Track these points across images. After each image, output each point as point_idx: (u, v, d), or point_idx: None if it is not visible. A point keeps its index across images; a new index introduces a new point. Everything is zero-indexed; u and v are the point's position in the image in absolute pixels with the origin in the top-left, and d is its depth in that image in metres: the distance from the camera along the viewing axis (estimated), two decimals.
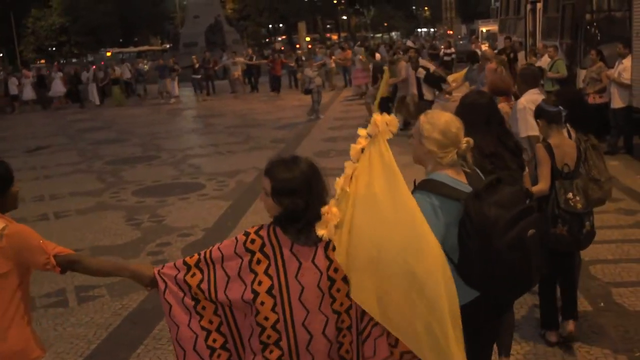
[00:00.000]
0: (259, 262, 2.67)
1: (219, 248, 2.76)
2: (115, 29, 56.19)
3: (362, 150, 2.76)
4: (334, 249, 2.69)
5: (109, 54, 53.65)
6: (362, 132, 2.78)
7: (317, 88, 18.35)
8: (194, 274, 2.76)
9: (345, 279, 2.69)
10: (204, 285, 2.74)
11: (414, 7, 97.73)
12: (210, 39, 38.99)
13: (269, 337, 2.67)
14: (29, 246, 3.03)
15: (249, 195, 9.83)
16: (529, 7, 17.72)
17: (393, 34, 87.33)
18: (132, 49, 56.99)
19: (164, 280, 2.81)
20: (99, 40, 54.37)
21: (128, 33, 61.43)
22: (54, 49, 52.01)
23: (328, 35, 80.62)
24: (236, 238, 2.74)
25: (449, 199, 2.98)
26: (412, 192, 2.94)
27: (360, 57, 26.36)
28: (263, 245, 2.68)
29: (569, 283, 4.99)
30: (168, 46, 52.51)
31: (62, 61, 43.90)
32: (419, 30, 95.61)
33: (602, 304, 5.51)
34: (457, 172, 3.11)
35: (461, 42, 42.00)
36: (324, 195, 2.72)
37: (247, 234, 2.71)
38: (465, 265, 2.95)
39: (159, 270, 2.84)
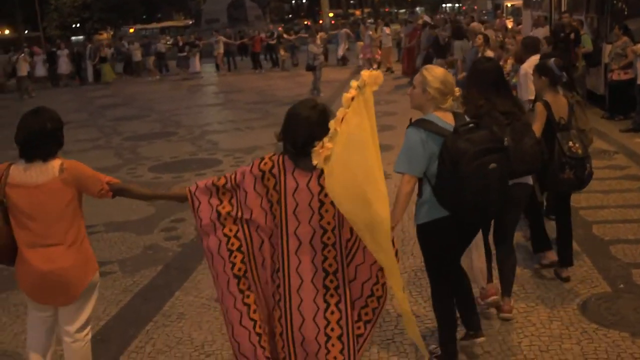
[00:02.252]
0: (268, 179, 3.41)
1: (241, 172, 3.52)
2: (138, 5, 56.10)
3: (352, 98, 3.32)
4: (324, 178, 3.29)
5: (131, 30, 53.56)
6: (353, 83, 3.35)
7: (320, 65, 18.13)
8: (224, 192, 3.52)
9: (333, 204, 3.33)
10: (234, 201, 3.50)
11: None
12: (232, 15, 38.83)
13: (272, 238, 3.50)
14: (86, 175, 3.73)
15: None
16: None
17: (417, 9, 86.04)
18: (154, 25, 56.88)
19: (199, 199, 3.55)
20: (122, 17, 54.34)
21: (151, 9, 61.34)
22: (77, 25, 52.11)
23: (351, 11, 79.74)
24: (253, 162, 3.52)
25: (435, 134, 3.77)
26: (407, 127, 3.87)
27: (371, 32, 26.15)
28: (272, 167, 3.42)
29: (567, 225, 5.54)
30: (190, 22, 52.34)
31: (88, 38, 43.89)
32: (444, 5, 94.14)
33: (621, 286, 5.35)
34: (448, 116, 3.90)
35: (486, 17, 41.27)
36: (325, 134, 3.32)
37: (262, 158, 3.49)
38: (440, 188, 3.77)
39: (194, 192, 3.57)
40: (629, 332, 4.60)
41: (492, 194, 3.78)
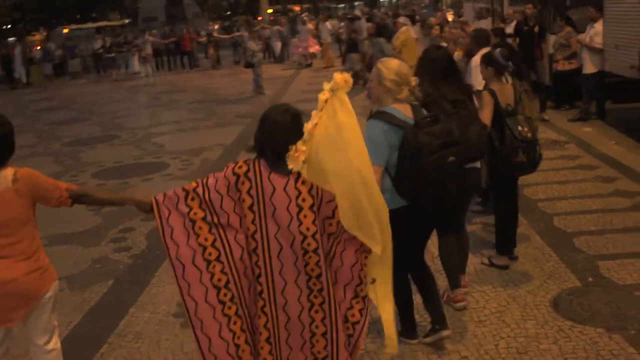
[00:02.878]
0: (243, 183, 3.28)
1: (213, 176, 3.35)
2: (71, 4, 54.49)
3: (326, 101, 3.32)
4: (303, 182, 3.28)
5: (66, 30, 51.94)
6: (326, 86, 3.35)
7: (259, 62, 17.77)
8: (193, 198, 3.32)
9: (312, 208, 3.29)
10: (204, 206, 3.31)
11: None
12: (170, 12, 38.20)
13: (249, 244, 3.34)
14: (42, 184, 3.49)
15: None
16: None
17: (356, 3, 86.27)
18: (90, 24, 55.35)
19: (168, 208, 3.33)
20: (55, 17, 52.68)
21: (85, 9, 59.66)
22: (8, 26, 50.31)
23: (290, 6, 79.39)
24: (227, 166, 3.37)
25: (395, 126, 3.89)
26: (368, 119, 3.97)
27: (310, 25, 26.05)
28: (248, 170, 3.29)
29: (515, 208, 5.72)
30: (127, 21, 51.14)
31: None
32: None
33: (590, 279, 5.27)
34: (406, 108, 4.01)
35: (424, 10, 41.56)
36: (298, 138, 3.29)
37: (236, 162, 3.34)
38: (399, 179, 3.90)
39: (162, 199, 3.35)
40: (604, 328, 4.51)
41: (450, 185, 3.94)
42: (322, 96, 3.37)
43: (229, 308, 3.35)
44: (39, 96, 22.92)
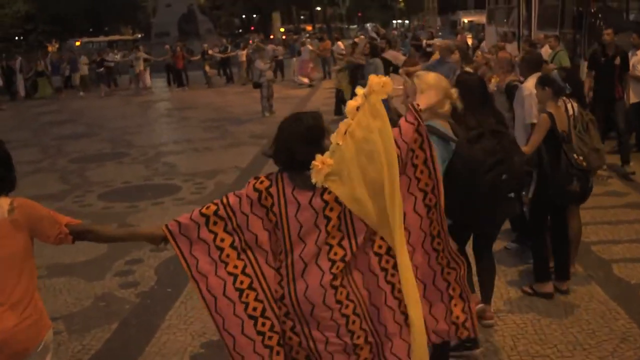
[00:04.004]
0: (266, 198, 3.04)
1: (234, 195, 3.08)
2: (85, 17, 54.28)
3: (358, 108, 3.04)
4: (329, 192, 3.01)
5: (78, 43, 51.66)
6: (359, 91, 3.06)
7: (268, 82, 17.00)
8: (215, 222, 3.04)
9: (339, 217, 3.02)
10: (230, 229, 3.05)
11: None
12: (183, 28, 37.78)
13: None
14: (40, 216, 3.06)
15: None
16: None
17: (368, 25, 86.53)
18: (102, 38, 55.13)
19: (187, 237, 3.04)
20: (68, 29, 52.43)
21: (98, 22, 59.49)
22: (21, 37, 50.02)
23: (302, 26, 79.43)
24: (249, 182, 3.12)
25: (443, 140, 3.74)
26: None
27: (310, 46, 25.50)
28: (270, 185, 3.05)
29: (565, 239, 5.42)
30: (140, 36, 50.91)
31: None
32: (394, 22, 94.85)
33: None
34: (445, 124, 3.85)
35: (440, 33, 41.11)
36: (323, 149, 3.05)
37: (257, 177, 3.10)
38: (450, 196, 3.38)
39: (177, 230, 3.04)
40: None
41: (502, 204, 3.99)
42: (353, 103, 3.08)
43: (270, 338, 3.10)
44: (47, 109, 22.30)
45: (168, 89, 26.89)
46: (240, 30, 72.28)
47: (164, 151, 13.10)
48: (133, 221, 8.16)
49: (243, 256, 3.08)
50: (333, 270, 3.02)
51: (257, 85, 17.26)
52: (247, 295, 3.06)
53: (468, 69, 10.30)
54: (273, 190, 3.05)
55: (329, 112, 16.61)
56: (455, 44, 13.44)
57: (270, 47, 27.27)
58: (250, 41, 33.92)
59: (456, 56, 10.38)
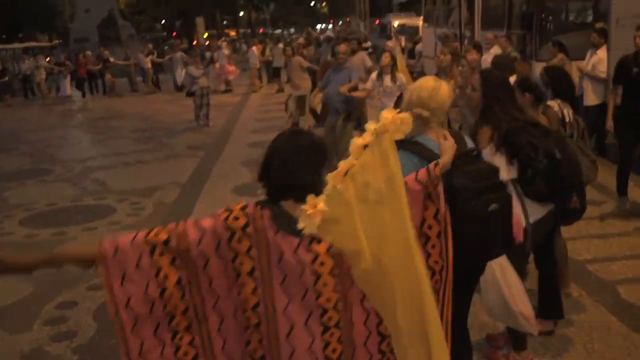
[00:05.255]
0: (240, 241, 2.51)
1: (195, 224, 2.53)
2: None
3: (365, 146, 2.46)
4: (319, 241, 2.52)
5: None
6: (370, 127, 2.46)
7: (202, 90, 15.67)
8: (162, 253, 2.49)
9: (332, 273, 2.54)
10: (177, 265, 2.52)
11: (312, 3, 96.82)
12: (103, 33, 36.42)
13: (248, 319, 2.59)
14: None
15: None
16: None
17: (292, 29, 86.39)
18: (17, 45, 52.55)
19: (123, 267, 2.48)
20: None
21: (12, 29, 56.73)
22: None
23: (227, 31, 78.42)
24: (217, 214, 2.56)
25: (426, 162, 3.05)
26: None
27: (225, 50, 24.67)
28: (246, 224, 2.52)
29: (553, 268, 4.73)
30: (58, 42, 48.74)
31: None
32: (318, 26, 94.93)
33: None
34: (439, 136, 3.17)
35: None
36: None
37: (229, 211, 2.54)
38: None
39: (112, 253, 2.47)
40: None
41: (492, 234, 3.22)
42: (360, 141, 2.48)
43: None
44: None
45: (91, 97, 25.46)
46: (165, 33, 70.73)
47: (92, 166, 11.93)
48: None
49: (191, 317, 2.58)
50: (326, 337, 2.58)
51: (190, 94, 16.08)
52: (181, 338, 2.59)
53: (400, 74, 9.72)
54: (251, 230, 2.51)
55: (265, 120, 15.83)
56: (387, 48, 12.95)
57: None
58: (149, 45, 32.58)
59: (387, 59, 9.68)
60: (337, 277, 2.57)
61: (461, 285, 3.30)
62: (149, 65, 25.79)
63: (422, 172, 2.83)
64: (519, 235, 3.74)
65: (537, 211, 3.86)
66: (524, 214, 3.77)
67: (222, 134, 14.37)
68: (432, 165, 2.84)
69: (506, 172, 3.70)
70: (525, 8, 12.83)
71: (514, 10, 13.36)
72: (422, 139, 3.28)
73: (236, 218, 2.53)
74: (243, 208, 2.56)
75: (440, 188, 2.82)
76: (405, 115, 2.54)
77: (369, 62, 14.47)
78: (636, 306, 5.02)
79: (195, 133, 14.83)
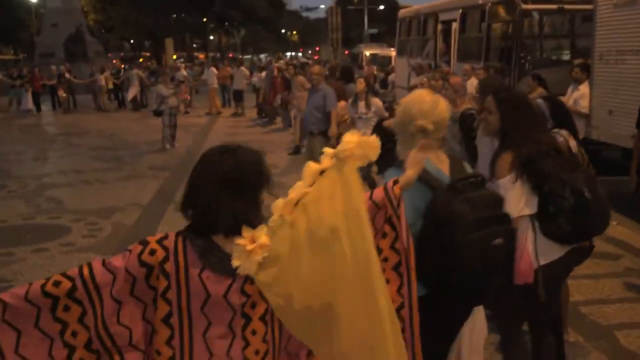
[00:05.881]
0: (157, 278, 2.13)
1: (105, 265, 2.13)
2: None
3: (322, 172, 2.18)
4: (252, 282, 2.14)
5: None
6: (328, 151, 2.23)
7: (171, 110, 15.05)
8: (67, 307, 2.08)
9: (263, 319, 2.19)
10: (88, 320, 2.10)
11: (283, 30, 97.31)
12: (70, 49, 35.49)
13: None
14: None
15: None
16: (440, 27, 16.21)
17: (262, 55, 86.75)
18: None
19: (16, 329, 2.05)
20: None
21: None
22: None
23: (196, 54, 78.23)
24: (129, 250, 2.17)
25: (423, 185, 2.78)
26: (386, 171, 2.92)
27: (184, 71, 24.38)
28: (166, 259, 2.12)
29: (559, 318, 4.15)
30: (23, 56, 47.78)
31: None
32: (288, 54, 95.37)
33: None
34: (440, 159, 2.99)
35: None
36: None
37: (145, 243, 2.16)
38: (420, 258, 2.62)
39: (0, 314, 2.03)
40: None
41: (488, 277, 2.87)
42: (316, 166, 2.22)
43: None
44: None
45: (53, 113, 24.74)
46: (133, 54, 70.23)
47: (48, 183, 11.26)
48: (7, 274, 6.47)
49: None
50: None
51: (158, 113, 15.40)
52: None
53: (376, 99, 9.49)
54: (170, 267, 2.13)
55: (234, 142, 15.25)
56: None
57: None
58: (116, 61, 32.14)
59: (361, 85, 9.41)
60: (267, 322, 2.22)
61: (441, 327, 2.97)
62: (103, 82, 25.40)
63: (378, 192, 2.49)
64: (528, 277, 3.34)
65: (554, 251, 3.40)
66: (535, 253, 3.33)
67: (188, 155, 13.81)
68: (390, 182, 2.47)
69: (524, 205, 3.27)
70: (504, 42, 12.66)
71: (491, 43, 13.20)
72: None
73: (153, 252, 2.14)
74: (161, 240, 2.17)
75: (402, 210, 2.45)
76: (374, 138, 2.24)
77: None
78: (638, 355, 4.63)
79: (159, 153, 14.27)
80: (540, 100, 4.72)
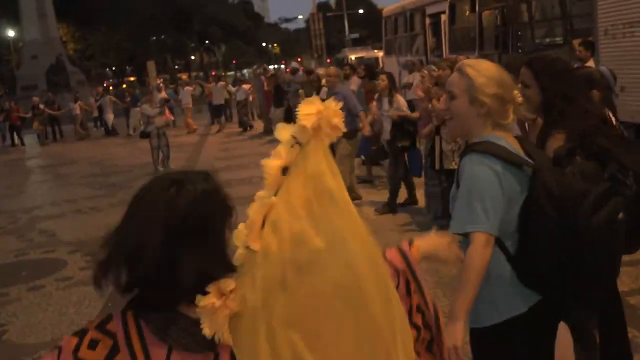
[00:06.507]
0: None
1: None
2: None
3: (285, 169, 1.56)
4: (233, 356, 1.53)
5: None
6: (283, 133, 1.58)
7: (158, 130, 14.19)
8: None
9: None
10: None
11: (264, 44, 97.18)
12: (52, 80, 35.11)
13: None
14: None
15: None
16: (428, 21, 15.83)
17: (245, 71, 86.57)
18: None
19: None
20: None
21: None
22: None
23: (179, 75, 77.92)
24: (58, 346, 1.53)
25: (513, 166, 2.38)
26: (465, 155, 2.45)
27: (163, 93, 24.05)
28: (114, 351, 1.49)
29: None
30: (5, 91, 47.31)
31: None
32: (271, 66, 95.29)
33: None
34: (511, 138, 2.52)
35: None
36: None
37: (82, 333, 1.53)
38: (530, 255, 2.35)
39: None
40: None
41: (618, 260, 2.55)
42: (274, 161, 1.57)
43: None
44: None
45: (38, 144, 24.32)
46: (115, 81, 69.98)
47: (39, 216, 10.76)
48: (2, 318, 5.98)
49: None
50: None
51: (144, 135, 14.76)
52: None
53: (419, 92, 9.08)
54: (122, 359, 1.51)
55: (229, 158, 14.89)
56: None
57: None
58: (100, 89, 31.94)
59: (384, 82, 8.98)
60: None
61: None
62: (78, 111, 25.22)
63: (394, 254, 1.89)
64: None
65: None
66: None
67: None
68: (405, 244, 1.90)
69: None
70: (498, 29, 12.26)
71: (484, 32, 12.81)
72: (495, 139, 2.45)
73: (93, 344, 1.52)
74: (103, 324, 1.55)
75: (420, 275, 1.89)
76: (333, 102, 1.62)
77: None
78: None
79: (152, 175, 13.74)
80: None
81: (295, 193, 1.56)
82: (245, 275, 1.53)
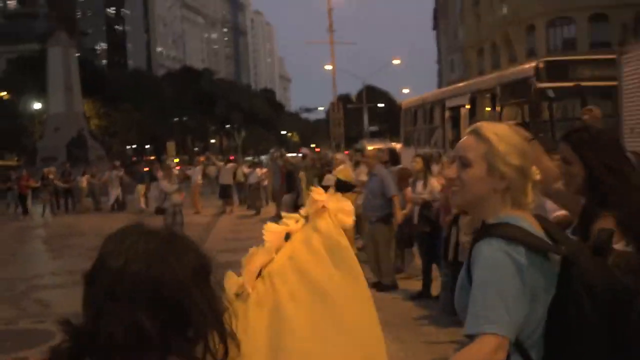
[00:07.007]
0: None
1: None
2: None
3: (287, 237, 1.71)
4: None
5: None
6: (290, 223, 1.75)
7: (175, 208, 13.84)
8: None
9: None
10: None
11: (283, 132, 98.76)
12: (72, 153, 35.51)
13: None
14: None
15: None
16: (447, 113, 15.78)
17: (263, 157, 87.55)
18: None
19: None
20: None
21: None
22: None
23: (197, 157, 78.86)
24: None
25: (535, 253, 1.90)
26: (482, 239, 1.94)
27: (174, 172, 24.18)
28: None
29: None
30: (22, 161, 47.85)
31: None
32: (289, 154, 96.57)
33: None
34: (531, 218, 2.04)
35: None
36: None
37: None
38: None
39: None
40: None
41: None
42: (277, 227, 1.69)
43: None
44: None
45: (50, 214, 24.24)
46: (135, 159, 70.88)
47: (37, 285, 10.44)
48: None
49: None
50: None
51: (160, 211, 14.51)
52: None
53: (433, 181, 8.71)
54: None
55: (239, 240, 14.55)
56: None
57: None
58: (116, 164, 32.01)
59: (419, 165, 8.62)
60: None
61: None
62: (84, 184, 25.38)
63: None
64: None
65: None
66: None
67: None
68: None
69: None
70: (519, 125, 12.11)
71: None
72: (516, 220, 1.96)
73: None
74: None
75: None
76: (345, 199, 1.80)
77: None
78: None
79: None
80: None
81: (297, 254, 1.61)
82: (238, 327, 1.46)
